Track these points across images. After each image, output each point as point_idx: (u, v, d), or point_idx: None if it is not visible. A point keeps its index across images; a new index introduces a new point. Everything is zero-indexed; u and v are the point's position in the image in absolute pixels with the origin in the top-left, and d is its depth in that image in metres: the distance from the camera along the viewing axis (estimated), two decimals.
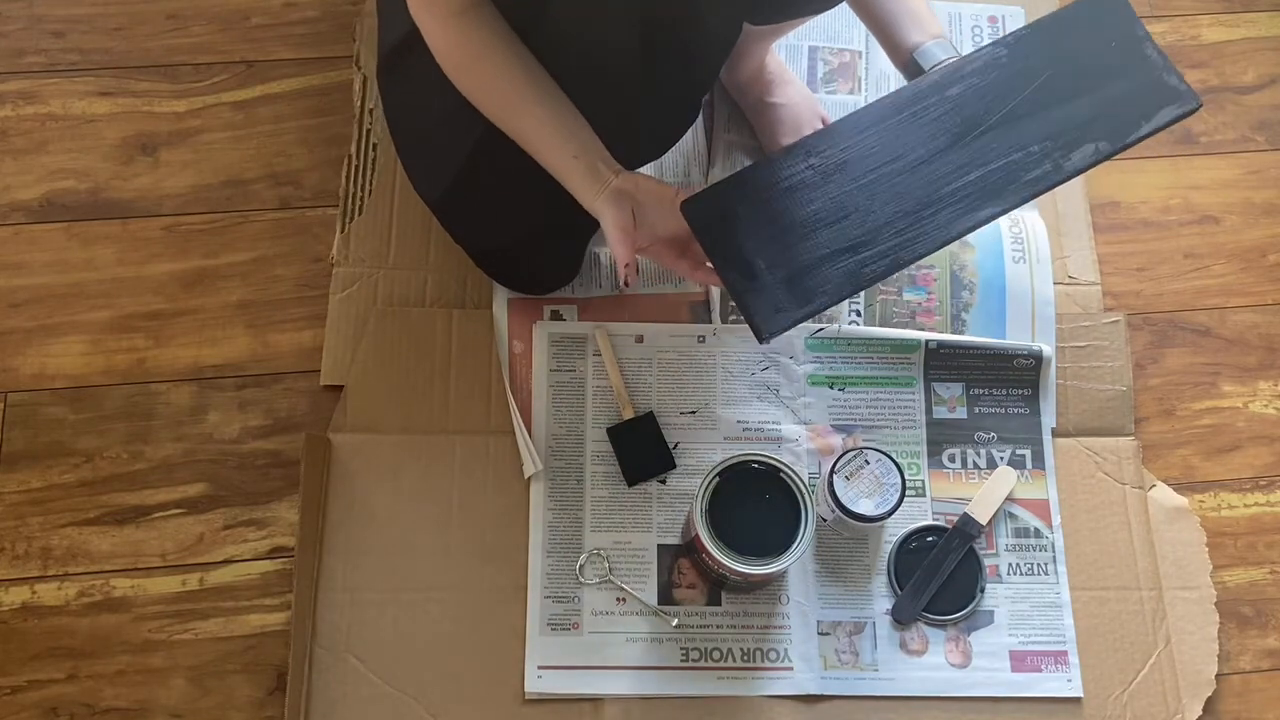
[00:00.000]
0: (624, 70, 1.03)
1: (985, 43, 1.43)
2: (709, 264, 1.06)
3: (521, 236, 1.24)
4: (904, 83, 1.09)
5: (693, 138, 1.38)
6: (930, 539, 1.23)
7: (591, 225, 1.14)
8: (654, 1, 0.98)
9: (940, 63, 1.06)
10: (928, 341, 1.28)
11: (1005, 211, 1.02)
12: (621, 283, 1.07)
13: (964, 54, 1.06)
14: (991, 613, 1.21)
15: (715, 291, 1.30)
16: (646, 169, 1.21)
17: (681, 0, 0.99)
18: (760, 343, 1.01)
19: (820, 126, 1.35)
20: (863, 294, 1.31)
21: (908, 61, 1.09)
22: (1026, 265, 1.32)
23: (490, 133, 1.07)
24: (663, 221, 1.05)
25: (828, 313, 1.29)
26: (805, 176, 1.03)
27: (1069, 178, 1.02)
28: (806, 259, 1.01)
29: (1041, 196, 1.37)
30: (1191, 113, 1.02)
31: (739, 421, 1.27)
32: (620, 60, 1.02)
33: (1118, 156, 1.03)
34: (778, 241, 1.01)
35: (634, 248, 1.05)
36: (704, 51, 1.07)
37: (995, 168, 1.01)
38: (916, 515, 1.24)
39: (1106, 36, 1.03)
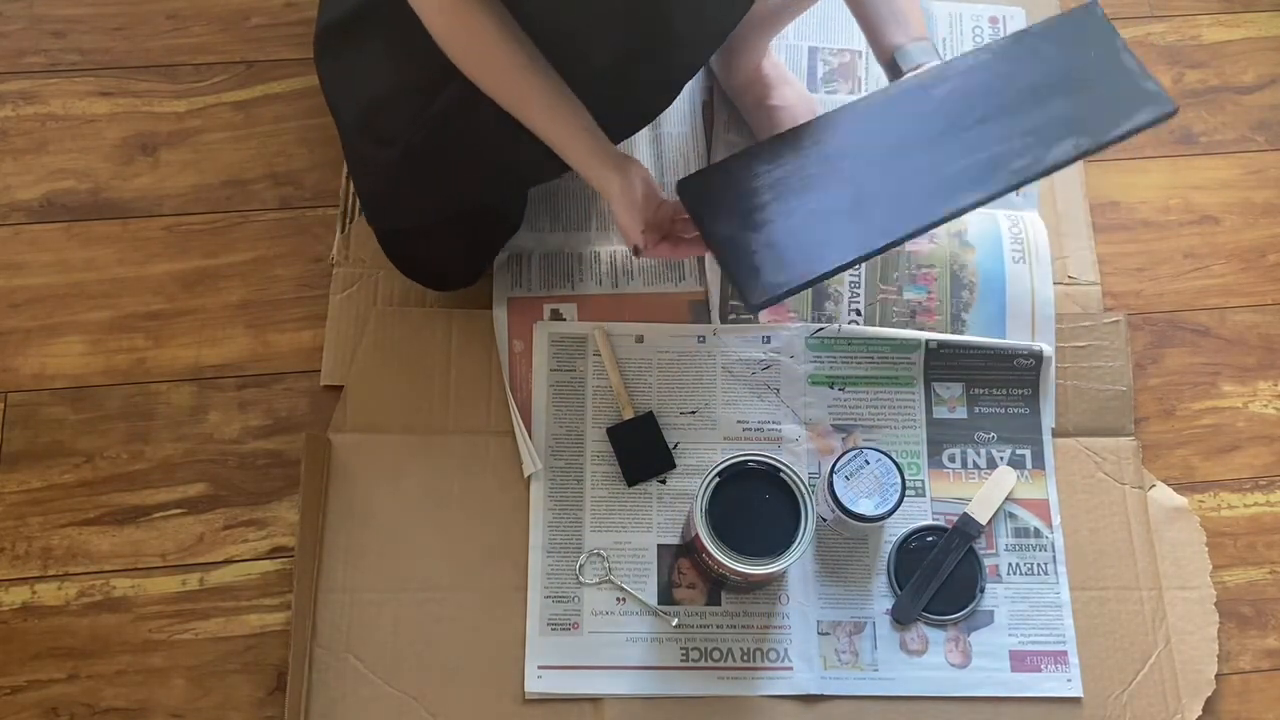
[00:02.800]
0: (605, 42, 1.03)
1: (985, 38, 1.44)
2: (691, 241, 1.09)
3: (435, 226, 1.23)
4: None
5: (693, 138, 1.38)
6: (930, 539, 1.23)
7: (509, 229, 1.20)
8: None
9: (918, 66, 1.08)
10: (928, 341, 1.28)
11: (990, 198, 1.04)
12: (632, 251, 1.09)
13: (948, 58, 1.09)
14: (991, 613, 1.21)
15: (715, 291, 1.30)
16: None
17: None
18: (750, 312, 1.04)
19: None
20: (863, 294, 1.31)
21: (889, 62, 1.10)
22: (1026, 265, 1.32)
23: (435, 118, 1.07)
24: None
25: (828, 312, 1.29)
26: (797, 160, 1.06)
27: (1050, 170, 1.04)
28: (798, 235, 1.04)
29: (1042, 197, 1.38)
30: (1168, 116, 1.05)
31: (739, 421, 1.27)
32: (602, 32, 1.03)
33: (1112, 157, 1.05)
34: (769, 218, 1.04)
35: (642, 218, 1.07)
36: (692, 35, 1.08)
37: (981, 157, 1.04)
38: (916, 515, 1.24)
39: (1086, 47, 1.07)
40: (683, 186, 1.07)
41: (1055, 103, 1.05)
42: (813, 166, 1.06)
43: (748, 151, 1.09)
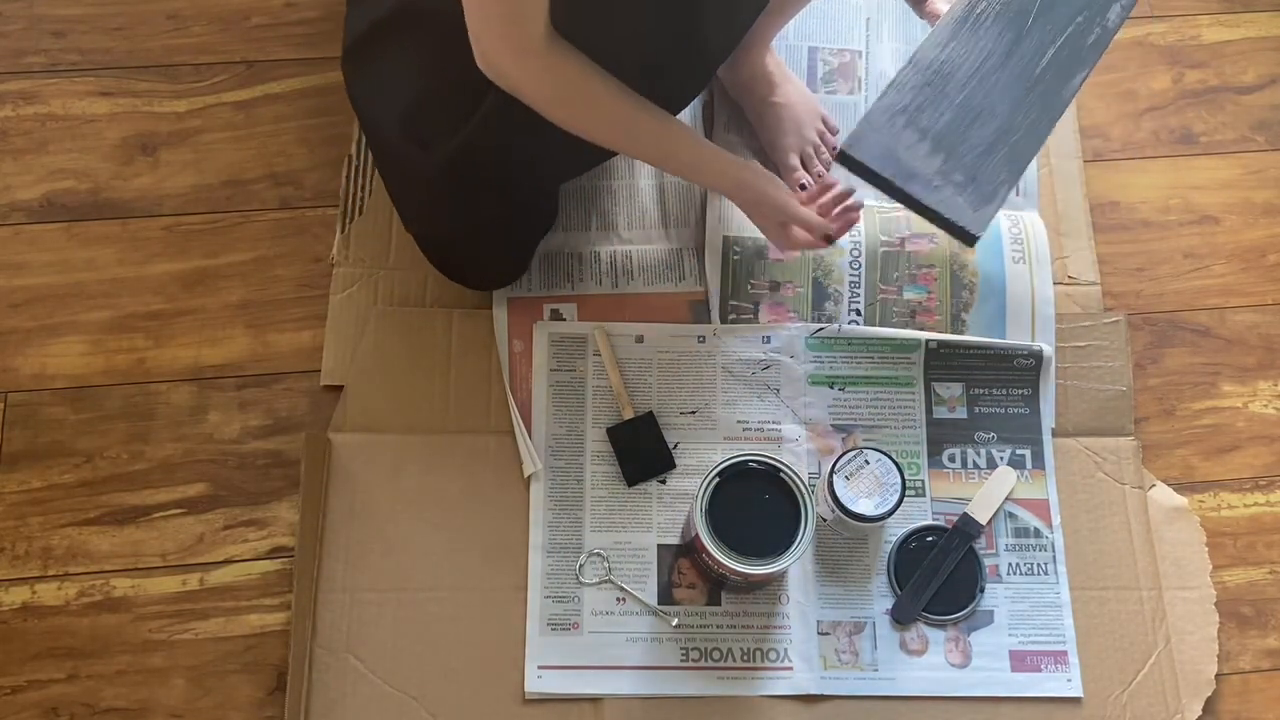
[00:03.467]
0: (639, 35, 1.04)
1: None
2: (827, 230, 1.15)
3: (478, 228, 1.24)
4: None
5: None
6: (930, 539, 1.23)
7: (548, 223, 1.22)
8: None
9: None
10: (928, 341, 1.28)
11: (1088, 75, 1.15)
12: (822, 242, 1.15)
13: None
14: (991, 613, 1.21)
15: (715, 291, 1.30)
16: None
17: None
18: (969, 245, 1.11)
19: (820, 126, 1.35)
20: (863, 294, 1.31)
21: None
22: (1026, 265, 1.32)
23: (482, 116, 1.07)
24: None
25: (828, 312, 1.30)
26: (925, 95, 1.12)
27: (1113, 36, 1.15)
28: (970, 159, 1.10)
29: (1042, 197, 1.38)
30: None
31: (739, 421, 1.27)
32: (636, 45, 1.03)
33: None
34: (938, 153, 1.10)
35: (799, 201, 1.13)
36: (720, 39, 1.09)
37: (1061, 43, 1.14)
38: (916, 515, 1.24)
39: None
40: (851, 151, 1.10)
41: None
42: (945, 98, 1.12)
43: (877, 104, 1.13)
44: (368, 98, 1.18)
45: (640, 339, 1.29)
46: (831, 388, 1.28)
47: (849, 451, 1.19)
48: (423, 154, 1.13)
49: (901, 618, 1.20)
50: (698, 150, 1.12)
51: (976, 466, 1.26)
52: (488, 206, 1.20)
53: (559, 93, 1.01)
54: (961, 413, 1.28)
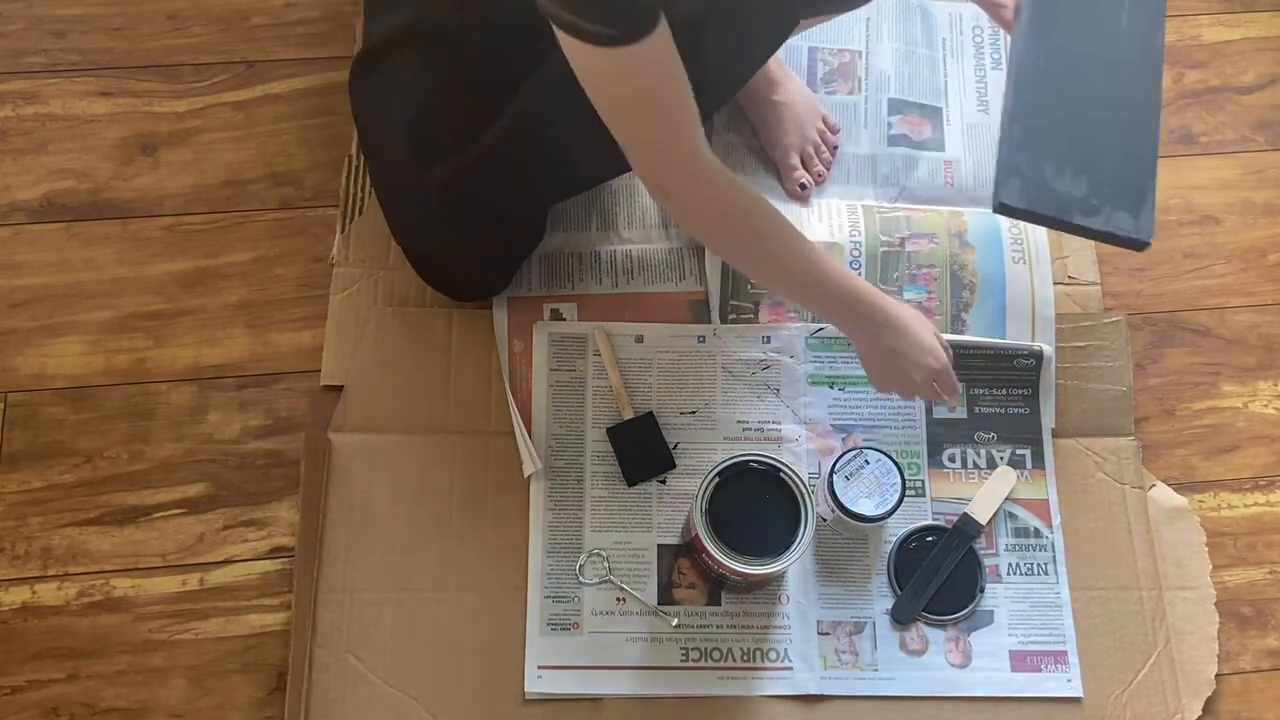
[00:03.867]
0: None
1: (986, 38, 1.44)
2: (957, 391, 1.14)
3: (473, 244, 1.24)
4: None
5: None
6: (930, 539, 1.23)
7: (538, 236, 1.23)
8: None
9: None
10: None
11: (1164, 28, 1.11)
12: (949, 403, 1.18)
13: None
14: (991, 613, 1.21)
15: (715, 291, 1.30)
16: None
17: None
18: (1140, 251, 1.06)
19: (821, 126, 1.35)
20: None
21: None
22: (1026, 265, 1.32)
23: (476, 150, 1.08)
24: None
25: None
26: (1044, 117, 1.07)
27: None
28: (1109, 167, 1.06)
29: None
30: None
31: (739, 421, 1.27)
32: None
33: None
34: (1081, 174, 1.06)
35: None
36: (753, 41, 1.09)
37: (1129, 5, 1.10)
38: (916, 515, 1.24)
39: None
40: (1010, 198, 1.05)
41: None
42: (1061, 103, 1.07)
43: (1014, 144, 1.07)
44: (374, 106, 1.18)
45: (640, 339, 1.29)
46: (831, 388, 1.28)
47: (849, 451, 1.19)
48: (425, 169, 1.13)
49: (901, 618, 1.20)
50: (845, 279, 1.08)
51: (976, 466, 1.26)
52: (486, 224, 1.20)
53: (725, 209, 1.01)
54: (961, 413, 1.28)
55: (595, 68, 0.90)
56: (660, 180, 1.00)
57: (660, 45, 0.88)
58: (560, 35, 0.87)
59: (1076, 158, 1.05)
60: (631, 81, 0.91)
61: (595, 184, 1.30)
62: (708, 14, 0.98)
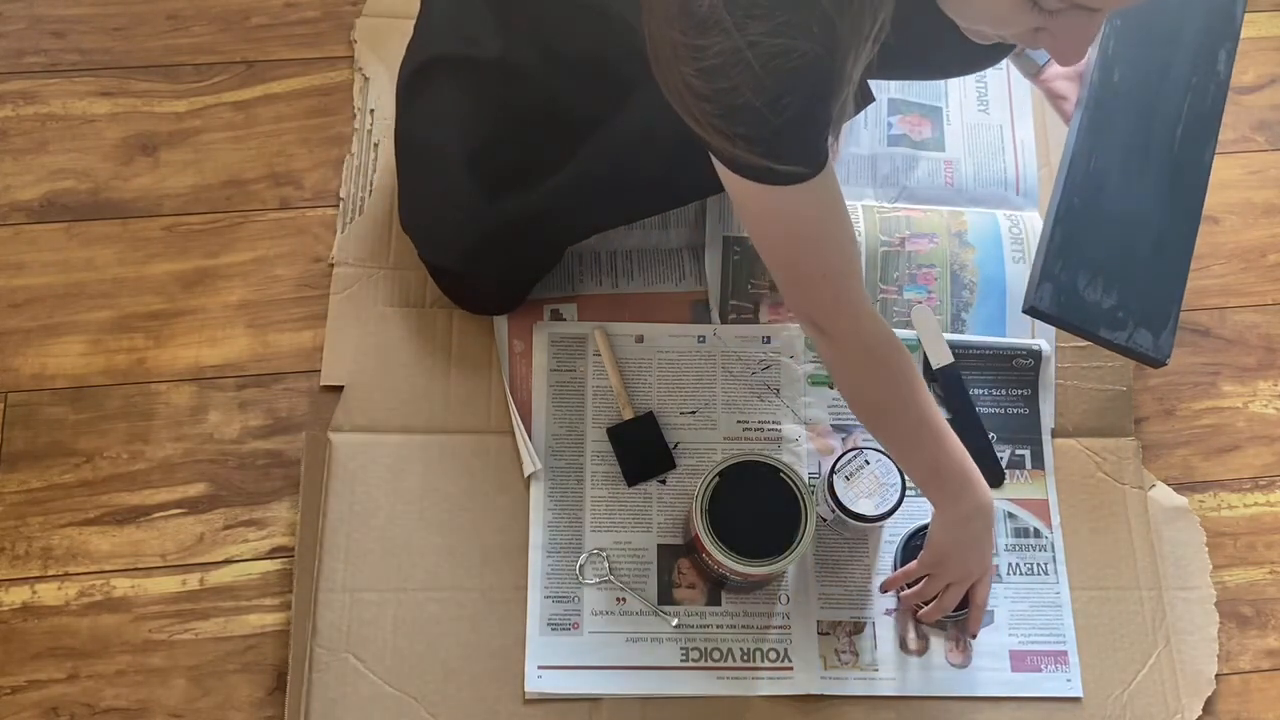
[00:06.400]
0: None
1: None
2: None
3: (513, 275, 1.26)
4: None
5: None
6: None
7: (560, 255, 1.23)
8: None
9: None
10: None
11: (1215, 145, 1.09)
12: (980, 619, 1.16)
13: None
14: (991, 613, 1.21)
15: (715, 291, 1.30)
16: None
17: None
18: (1155, 368, 1.08)
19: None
20: None
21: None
22: (1026, 265, 1.32)
23: (542, 191, 1.09)
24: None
25: None
26: (1085, 219, 1.06)
27: (1227, 89, 1.09)
28: (1138, 283, 1.06)
29: (1041, 197, 1.38)
30: None
31: (739, 421, 1.27)
32: None
33: None
34: (1112, 287, 1.05)
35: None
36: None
37: (1185, 114, 1.08)
38: (917, 515, 1.24)
39: None
40: (1040, 305, 1.04)
41: (1184, 33, 1.08)
42: (1105, 216, 1.06)
43: (1052, 250, 1.06)
44: (429, 124, 1.15)
45: (640, 339, 1.29)
46: (831, 388, 1.28)
47: (849, 451, 1.19)
48: (490, 199, 1.12)
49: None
50: (956, 455, 1.05)
51: None
52: (532, 257, 1.22)
53: (874, 350, 1.00)
54: None
55: (772, 205, 0.87)
56: (818, 314, 0.98)
57: (832, 177, 0.87)
58: (731, 177, 0.85)
59: (1111, 269, 1.05)
60: (806, 216, 0.89)
61: (624, 222, 1.28)
62: None
